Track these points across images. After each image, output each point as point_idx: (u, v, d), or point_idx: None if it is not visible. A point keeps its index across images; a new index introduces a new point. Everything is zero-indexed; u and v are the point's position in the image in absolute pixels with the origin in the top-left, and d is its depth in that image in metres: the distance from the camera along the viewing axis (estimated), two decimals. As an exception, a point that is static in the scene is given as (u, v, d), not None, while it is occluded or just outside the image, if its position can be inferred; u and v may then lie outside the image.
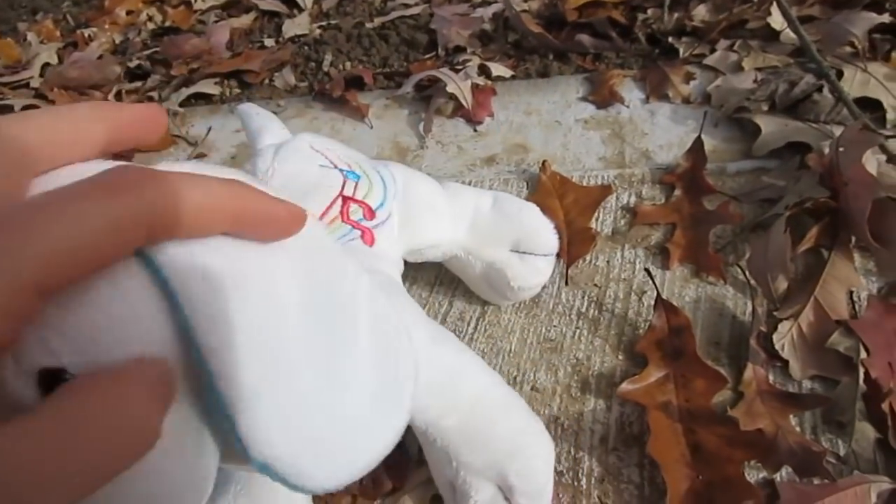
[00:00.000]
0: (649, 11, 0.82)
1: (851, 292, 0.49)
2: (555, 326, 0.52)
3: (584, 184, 0.62)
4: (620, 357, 0.49)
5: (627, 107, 0.70)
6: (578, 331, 0.51)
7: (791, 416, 0.43)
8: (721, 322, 0.50)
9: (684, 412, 0.44)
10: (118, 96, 0.99)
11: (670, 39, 0.77)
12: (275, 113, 0.83)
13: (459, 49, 0.85)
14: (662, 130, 0.66)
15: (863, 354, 0.44)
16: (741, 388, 0.45)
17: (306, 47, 0.97)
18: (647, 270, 0.52)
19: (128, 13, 1.23)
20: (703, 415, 0.44)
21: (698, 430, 0.43)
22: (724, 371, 0.47)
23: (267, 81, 0.92)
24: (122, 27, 1.21)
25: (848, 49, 0.66)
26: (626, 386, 0.45)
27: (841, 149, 0.52)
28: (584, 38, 0.79)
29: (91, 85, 1.02)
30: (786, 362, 0.46)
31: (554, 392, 0.48)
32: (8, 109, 1.00)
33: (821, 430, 0.42)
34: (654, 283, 0.50)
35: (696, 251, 0.54)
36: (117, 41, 1.17)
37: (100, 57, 1.09)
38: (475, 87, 0.75)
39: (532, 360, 0.50)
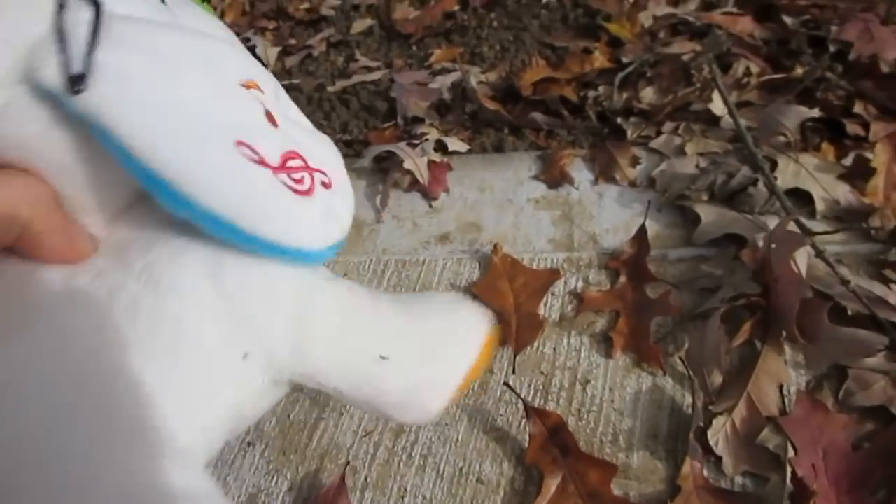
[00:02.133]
0: (600, 89, 0.86)
1: (781, 387, 0.51)
2: (501, 415, 0.53)
3: (535, 266, 0.64)
4: (564, 449, 0.50)
5: (577, 188, 0.72)
6: (524, 420, 0.52)
7: (724, 514, 0.45)
8: (660, 414, 0.52)
9: None
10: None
11: (619, 120, 0.80)
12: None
13: (417, 119, 0.87)
14: (609, 213, 0.69)
15: (790, 453, 0.47)
16: (679, 482, 0.47)
17: (267, 109, 0.98)
18: (506, 384, 0.55)
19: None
20: None
21: None
22: (661, 465, 0.49)
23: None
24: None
25: (782, 138, 0.71)
26: None
27: (773, 246, 0.55)
28: (538, 116, 0.82)
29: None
30: (719, 457, 0.48)
31: (498, 484, 0.49)
32: None
33: (751, 526, 0.44)
34: (516, 393, 0.54)
35: (637, 340, 0.56)
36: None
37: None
38: (431, 162, 0.76)
39: (478, 450, 0.51)
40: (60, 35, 0.22)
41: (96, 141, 0.23)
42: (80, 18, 0.23)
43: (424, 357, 0.37)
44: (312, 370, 0.31)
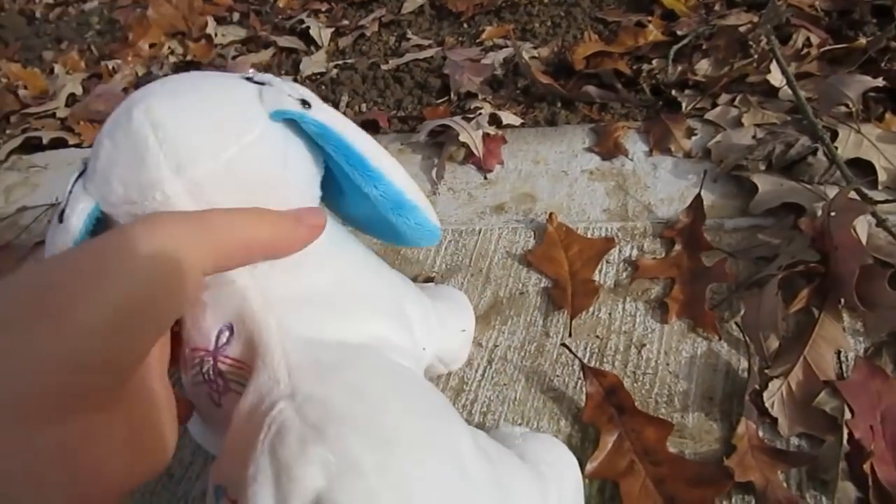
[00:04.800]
0: (654, 62, 0.86)
1: (839, 353, 0.52)
2: (558, 376, 0.55)
3: (589, 236, 0.65)
4: (619, 409, 0.52)
5: (631, 159, 0.73)
6: (580, 381, 0.54)
7: (779, 472, 0.46)
8: (715, 377, 0.52)
9: (648, 466, 0.47)
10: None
11: (673, 92, 0.80)
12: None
13: (471, 95, 0.89)
14: (664, 184, 0.69)
15: (847, 415, 0.47)
16: (734, 441, 0.48)
17: (323, 87, 1.01)
18: (563, 345, 0.57)
19: (150, 46, 1.28)
20: (665, 461, 0.47)
21: (667, 479, 0.46)
22: (715, 425, 0.50)
23: (285, 120, 0.96)
24: (146, 60, 1.25)
25: (843, 109, 0.70)
26: (590, 466, 0.48)
27: (832, 214, 0.55)
28: (591, 89, 0.82)
29: (116, 118, 1.05)
30: (774, 419, 0.49)
31: (556, 441, 0.51)
32: (36, 140, 1.04)
33: (805, 486, 0.45)
34: (573, 353, 0.55)
35: (692, 307, 0.57)
36: (140, 73, 1.21)
37: (124, 90, 1.14)
38: (486, 135, 0.78)
39: (536, 409, 0.53)
40: (266, 84, 0.34)
41: (325, 146, 0.33)
42: (265, 78, 0.35)
43: None
44: None
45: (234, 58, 1.18)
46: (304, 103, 0.32)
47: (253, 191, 0.31)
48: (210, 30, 1.26)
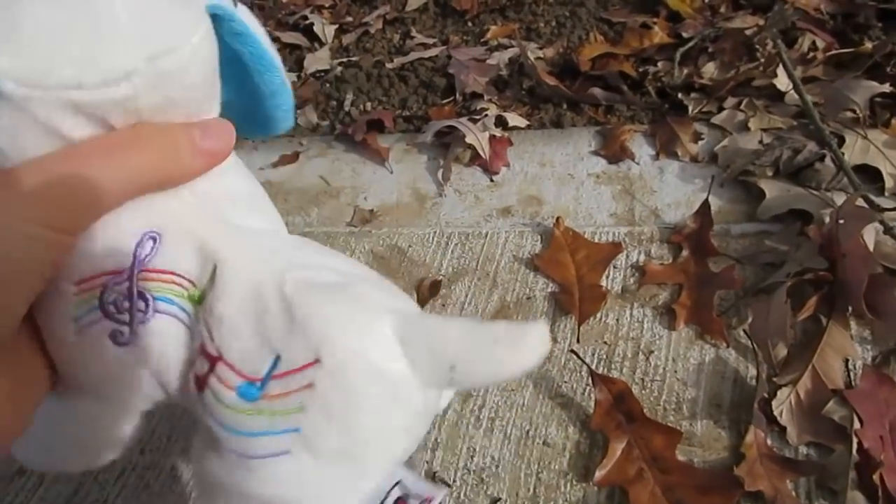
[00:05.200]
0: (660, 65, 0.86)
1: (847, 361, 0.52)
2: (566, 382, 0.55)
3: (596, 240, 0.65)
4: (628, 416, 0.52)
5: (637, 163, 0.73)
6: (588, 388, 0.54)
7: (788, 481, 0.46)
8: (723, 384, 0.53)
9: (657, 474, 0.47)
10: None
11: (679, 95, 0.80)
12: (297, 152, 0.87)
13: (476, 95, 0.89)
14: (671, 188, 0.69)
15: (856, 424, 0.47)
16: (742, 450, 0.48)
17: (327, 84, 1.01)
18: (572, 351, 0.57)
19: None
20: (674, 469, 0.47)
21: (676, 487, 0.46)
22: (724, 433, 0.50)
23: (289, 119, 0.95)
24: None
25: (849, 114, 0.70)
26: (599, 473, 0.48)
27: (840, 221, 0.55)
28: (597, 91, 0.82)
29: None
30: (783, 427, 0.49)
31: (564, 447, 0.51)
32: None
33: (815, 495, 0.45)
34: (581, 359, 0.55)
35: (700, 313, 0.57)
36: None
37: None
38: (492, 137, 0.78)
39: (544, 415, 0.53)
40: None
41: (239, 47, 0.30)
42: None
43: None
44: None
45: (236, 54, 1.17)
46: (234, 2, 0.30)
47: (205, 86, 0.28)
48: (212, 25, 1.25)
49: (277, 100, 0.34)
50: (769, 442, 0.48)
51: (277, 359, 0.26)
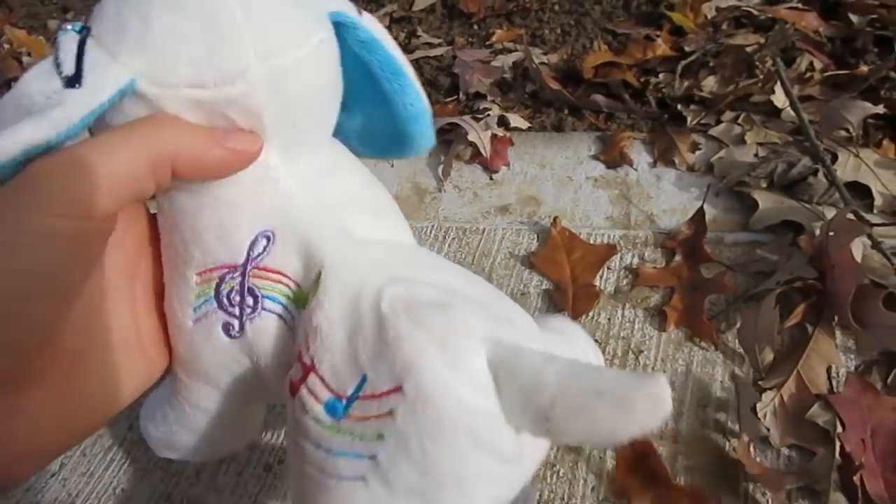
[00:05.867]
0: (661, 76, 0.87)
1: (831, 368, 0.53)
2: (557, 377, 0.56)
3: (592, 241, 0.66)
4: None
5: (635, 169, 0.74)
6: (578, 383, 0.55)
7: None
8: (710, 386, 0.54)
9: None
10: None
11: (679, 106, 0.81)
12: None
13: (479, 95, 0.90)
14: (667, 196, 0.70)
15: (839, 429, 0.48)
16: (727, 452, 0.49)
17: (331, 78, 1.01)
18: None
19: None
20: None
21: None
22: (710, 434, 0.51)
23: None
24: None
25: (843, 133, 0.71)
26: None
27: (831, 233, 0.57)
28: (599, 98, 0.84)
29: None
30: (767, 429, 0.50)
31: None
32: (37, 112, 1.03)
33: (795, 495, 0.46)
34: None
35: (691, 316, 0.58)
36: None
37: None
38: (494, 136, 0.79)
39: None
40: None
41: (367, 57, 0.30)
42: None
43: None
44: None
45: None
46: (358, 10, 0.30)
47: (324, 91, 0.29)
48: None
49: (411, 112, 0.33)
50: (752, 449, 0.49)
51: (364, 379, 0.25)
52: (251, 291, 0.28)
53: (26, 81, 0.25)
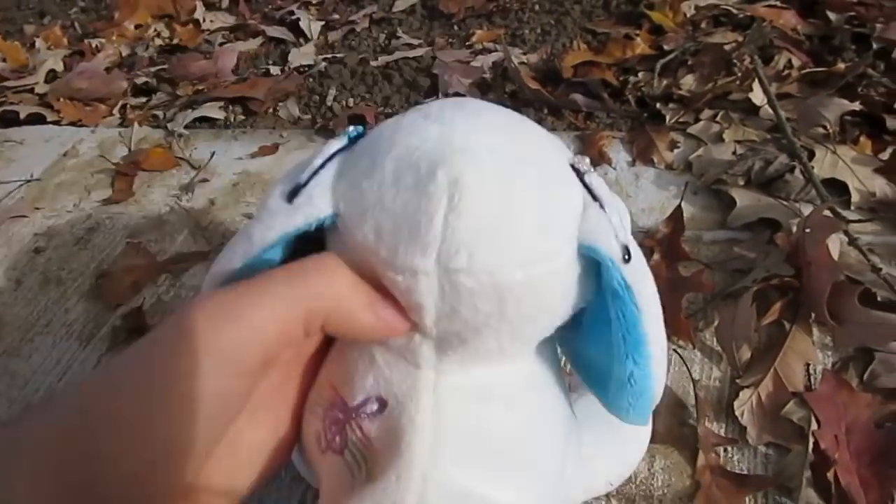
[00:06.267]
0: (640, 75, 0.87)
1: (808, 365, 0.53)
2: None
3: (570, 240, 0.66)
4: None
5: (614, 168, 0.74)
6: (556, 383, 0.54)
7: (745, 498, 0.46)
8: (688, 385, 0.53)
9: None
10: (123, 110, 1.01)
11: (658, 105, 0.81)
12: (277, 144, 0.87)
13: (459, 96, 0.89)
14: (645, 194, 0.70)
15: (814, 426, 0.48)
16: (697, 477, 0.48)
17: (311, 79, 1.01)
18: None
19: (136, 27, 1.26)
20: None
21: None
22: (686, 432, 0.50)
23: (271, 111, 0.95)
24: (130, 40, 1.23)
25: (820, 130, 0.72)
26: None
27: (807, 230, 0.57)
28: (578, 97, 0.84)
29: (97, 97, 1.04)
30: (743, 428, 0.50)
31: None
32: (12, 115, 1.02)
33: (770, 492, 0.46)
34: None
35: (668, 315, 0.57)
36: (124, 54, 1.19)
37: (107, 69, 1.12)
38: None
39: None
40: (601, 205, 0.26)
41: (611, 305, 0.26)
42: (601, 188, 0.27)
43: None
44: None
45: (221, 45, 1.17)
46: (626, 252, 0.25)
47: (507, 318, 0.25)
48: (198, 14, 1.24)
49: (632, 387, 0.28)
50: (722, 459, 0.49)
51: None
52: (343, 434, 0.27)
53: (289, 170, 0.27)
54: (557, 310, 0.26)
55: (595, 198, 0.26)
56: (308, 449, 0.30)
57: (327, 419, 0.28)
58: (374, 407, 0.26)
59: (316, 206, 0.25)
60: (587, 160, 0.27)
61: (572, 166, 0.27)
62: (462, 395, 0.27)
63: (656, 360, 0.27)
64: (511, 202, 0.23)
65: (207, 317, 0.24)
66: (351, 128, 0.28)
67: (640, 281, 0.26)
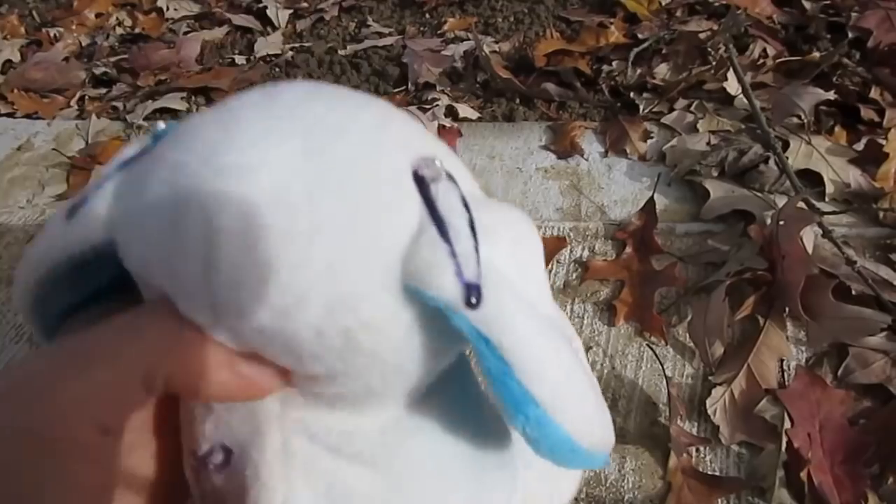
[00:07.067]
0: (614, 64, 0.85)
1: (781, 361, 0.52)
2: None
3: (541, 234, 0.64)
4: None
5: (587, 159, 0.72)
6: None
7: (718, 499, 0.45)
8: (660, 382, 0.52)
9: None
10: (81, 102, 0.97)
11: (632, 94, 0.80)
12: (241, 135, 0.84)
13: (429, 85, 0.87)
14: (618, 186, 0.69)
15: (787, 424, 0.47)
16: (668, 479, 0.47)
17: (277, 69, 0.97)
18: None
19: (97, 15, 1.21)
20: None
21: None
22: (658, 431, 0.49)
23: (235, 101, 0.92)
24: (90, 29, 1.19)
25: (795, 120, 0.70)
26: None
27: (781, 223, 0.55)
28: (550, 87, 0.82)
29: (54, 89, 1.00)
30: (716, 426, 0.48)
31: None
32: (-36, 106, 0.97)
33: (743, 494, 0.45)
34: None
35: (641, 310, 0.56)
36: (84, 44, 1.15)
37: (65, 59, 1.07)
38: (441, 127, 0.76)
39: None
40: (442, 230, 0.19)
41: (479, 354, 0.20)
42: (452, 205, 0.20)
43: None
44: None
45: (185, 34, 1.13)
46: (471, 293, 0.19)
47: (339, 374, 0.21)
48: (161, 2, 1.20)
49: (534, 444, 0.22)
50: (694, 461, 0.47)
51: None
52: (197, 485, 0.23)
53: None
54: (398, 365, 0.21)
55: (436, 219, 0.20)
56: None
57: (188, 469, 0.24)
58: (220, 458, 0.22)
59: (91, 228, 0.20)
60: (440, 163, 0.21)
61: (415, 173, 0.20)
62: (316, 447, 0.22)
63: (555, 407, 0.21)
64: (290, 242, 0.18)
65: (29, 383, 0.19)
66: (161, 124, 0.22)
67: (501, 327, 0.20)
